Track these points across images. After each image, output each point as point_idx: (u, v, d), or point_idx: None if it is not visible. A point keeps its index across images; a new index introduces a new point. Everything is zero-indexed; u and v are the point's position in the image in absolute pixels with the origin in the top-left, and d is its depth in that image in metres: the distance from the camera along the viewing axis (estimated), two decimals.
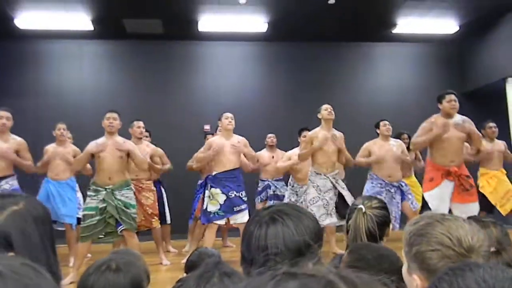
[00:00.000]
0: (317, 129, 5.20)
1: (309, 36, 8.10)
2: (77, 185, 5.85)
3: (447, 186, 4.53)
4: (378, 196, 5.06)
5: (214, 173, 5.01)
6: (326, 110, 5.14)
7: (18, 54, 7.79)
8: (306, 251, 1.04)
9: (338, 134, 5.19)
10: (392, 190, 5.33)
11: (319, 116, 5.16)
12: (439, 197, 4.53)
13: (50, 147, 5.37)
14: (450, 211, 4.52)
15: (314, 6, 6.86)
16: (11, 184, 4.57)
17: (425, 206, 4.62)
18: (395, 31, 7.93)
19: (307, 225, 1.07)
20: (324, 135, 5.03)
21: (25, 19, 6.92)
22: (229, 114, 5.11)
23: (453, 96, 4.58)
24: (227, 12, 6.98)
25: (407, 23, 7.66)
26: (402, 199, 5.36)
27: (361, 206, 1.87)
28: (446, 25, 7.78)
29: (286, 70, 8.39)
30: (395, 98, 8.46)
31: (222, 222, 4.94)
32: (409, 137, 6.12)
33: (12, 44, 7.71)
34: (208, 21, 7.30)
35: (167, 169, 5.72)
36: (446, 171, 4.51)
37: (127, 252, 1.67)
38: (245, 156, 5.25)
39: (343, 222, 4.97)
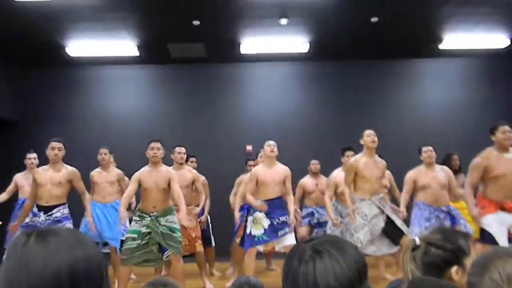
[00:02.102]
0: (359, 155, 4.97)
1: (352, 55, 8.00)
2: None
3: (504, 215, 4.23)
4: (427, 223, 4.85)
5: (258, 200, 4.97)
6: (369, 137, 4.87)
7: (67, 80, 8.12)
8: (358, 284, 0.96)
9: (381, 161, 4.95)
10: (442, 216, 5.03)
11: (361, 142, 4.93)
12: (497, 221, 4.22)
13: (95, 172, 5.50)
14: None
15: (357, 25, 6.78)
16: (62, 212, 4.68)
17: (483, 232, 4.31)
18: (441, 46, 7.71)
19: (354, 257, 0.98)
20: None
21: (75, 47, 7.21)
22: (271, 142, 5.06)
23: (507, 127, 4.25)
24: (269, 33, 7.01)
25: (455, 38, 7.43)
26: (453, 224, 5.05)
27: (416, 238, 1.62)
28: (496, 39, 7.48)
29: (329, 90, 8.29)
30: (443, 115, 8.16)
31: (261, 248, 4.85)
32: (459, 159, 5.83)
33: (63, 71, 8.04)
34: (250, 43, 7.35)
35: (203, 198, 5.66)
36: (500, 206, 4.21)
37: (163, 283, 1.63)
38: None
39: (391, 250, 4.78)
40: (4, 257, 0.85)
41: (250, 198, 4.90)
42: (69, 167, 4.79)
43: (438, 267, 1.45)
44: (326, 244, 0.99)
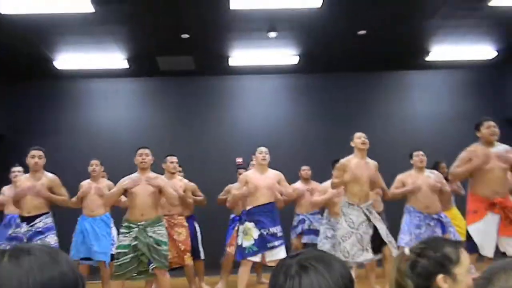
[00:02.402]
0: (350, 156, 4.99)
1: (340, 67, 8.05)
2: (112, 220, 5.87)
3: (492, 220, 4.26)
4: (417, 231, 4.86)
5: (248, 207, 4.92)
6: (359, 139, 4.89)
7: (56, 93, 8.07)
8: None
9: (372, 162, 4.98)
10: (432, 223, 5.03)
11: (352, 144, 4.95)
12: (483, 231, 4.26)
13: (85, 183, 5.43)
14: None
15: (345, 38, 6.83)
16: (45, 222, 4.58)
17: (469, 239, 4.35)
18: (428, 58, 7.79)
19: (340, 272, 0.97)
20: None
21: (64, 60, 7.18)
22: (263, 149, 5.05)
23: (492, 122, 4.37)
24: (258, 46, 7.04)
25: (441, 50, 7.52)
26: (443, 232, 5.06)
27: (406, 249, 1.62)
28: (483, 50, 7.58)
29: (319, 102, 8.32)
30: (431, 127, 8.22)
31: (257, 259, 4.81)
32: (447, 167, 5.88)
33: (51, 84, 8.00)
34: (239, 56, 7.37)
35: (200, 200, 5.68)
36: (490, 204, 4.25)
37: None
38: (281, 194, 5.10)
39: (374, 257, 4.77)
40: None
41: (234, 190, 4.87)
42: (49, 174, 4.71)
43: (425, 277, 1.44)
44: (312, 260, 0.98)
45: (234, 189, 5.29)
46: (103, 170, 5.73)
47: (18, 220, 4.64)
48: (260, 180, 4.91)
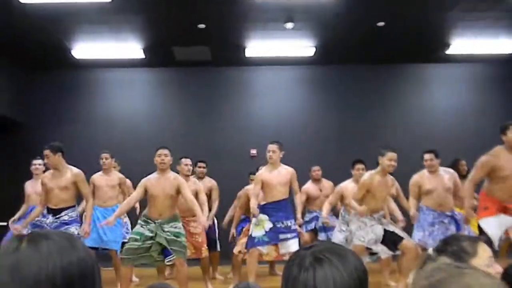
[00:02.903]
0: (373, 172, 4.79)
1: (358, 59, 7.97)
2: None
3: (505, 220, 4.18)
4: (430, 228, 4.81)
5: (262, 203, 4.96)
6: (390, 161, 4.59)
7: (73, 82, 8.14)
8: None
9: (390, 180, 4.86)
10: (446, 221, 4.97)
11: (379, 160, 4.69)
12: (495, 225, 4.18)
13: (97, 176, 5.50)
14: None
15: (363, 29, 6.75)
16: (70, 215, 4.68)
17: (481, 233, 4.28)
18: (448, 51, 7.66)
19: (354, 264, 0.96)
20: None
21: (81, 50, 7.23)
22: (270, 146, 5.04)
23: None
24: (274, 37, 6.99)
25: (461, 44, 7.39)
26: (457, 230, 4.99)
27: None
28: (503, 44, 7.43)
29: (335, 94, 8.26)
30: (451, 121, 8.11)
31: (264, 249, 4.82)
32: (467, 164, 5.78)
33: (68, 73, 8.06)
34: (255, 47, 7.34)
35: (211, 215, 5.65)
36: (502, 207, 4.16)
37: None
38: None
39: (389, 252, 4.73)
40: None
41: (253, 203, 4.87)
42: (74, 169, 4.77)
43: None
44: (326, 252, 0.97)
45: (250, 190, 5.30)
46: (115, 161, 5.78)
47: (45, 211, 4.74)
48: (273, 178, 4.95)
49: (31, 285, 0.77)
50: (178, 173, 5.11)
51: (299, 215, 5.01)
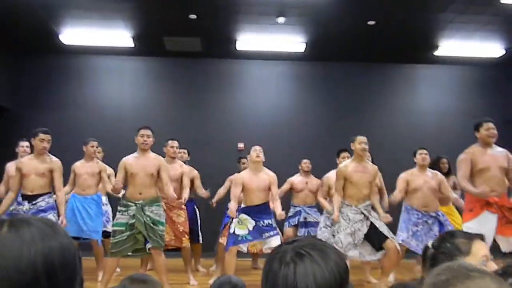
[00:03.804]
0: (348, 161, 4.93)
1: (348, 57, 7.99)
2: (106, 198, 5.88)
3: (488, 219, 4.25)
4: (414, 228, 4.86)
5: (243, 205, 4.95)
6: (360, 144, 4.79)
7: (61, 68, 8.03)
8: None
9: (372, 167, 4.91)
10: (430, 221, 5.03)
11: (352, 147, 4.88)
12: (476, 230, 4.25)
13: (78, 164, 5.42)
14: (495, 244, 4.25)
15: (353, 27, 6.77)
16: (47, 201, 4.62)
17: None
18: (437, 53, 7.72)
19: (335, 261, 0.96)
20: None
21: (69, 35, 7.13)
22: (257, 147, 5.03)
23: (491, 124, 4.40)
24: (266, 31, 6.98)
25: (450, 46, 7.45)
26: (440, 231, 5.05)
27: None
28: (491, 48, 7.51)
29: (324, 91, 8.29)
30: (436, 122, 8.19)
31: (244, 248, 4.83)
32: (449, 162, 5.86)
33: (56, 59, 7.95)
34: (246, 40, 7.31)
35: (202, 193, 5.69)
36: (485, 202, 4.25)
37: (142, 280, 1.60)
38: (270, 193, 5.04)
39: (374, 257, 4.77)
40: None
41: (232, 206, 4.82)
42: (53, 158, 4.71)
43: None
44: (308, 247, 0.97)
45: (234, 184, 5.26)
46: (99, 149, 5.74)
47: (20, 198, 4.66)
48: (255, 182, 4.90)
49: (11, 270, 0.75)
50: (164, 156, 5.11)
51: (278, 210, 4.76)
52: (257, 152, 4.97)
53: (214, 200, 5.97)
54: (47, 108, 7.77)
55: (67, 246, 0.83)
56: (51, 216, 4.54)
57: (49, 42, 7.36)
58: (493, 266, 1.53)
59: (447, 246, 1.54)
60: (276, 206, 4.82)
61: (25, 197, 4.59)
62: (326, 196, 5.76)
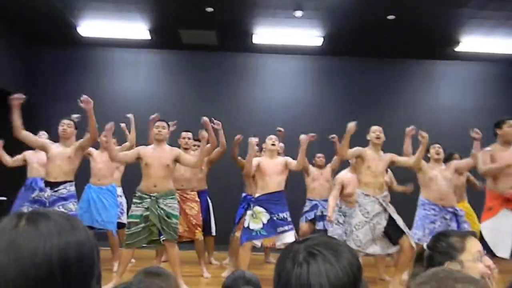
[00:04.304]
0: (365, 148, 4.97)
1: (366, 52, 7.90)
2: (120, 189, 5.92)
3: (507, 216, 4.18)
4: (431, 226, 4.79)
5: (257, 195, 4.91)
6: (374, 133, 4.91)
7: (78, 60, 8.09)
8: None
9: (385, 155, 4.92)
10: (448, 217, 4.93)
11: (368, 137, 4.96)
12: (495, 229, 4.18)
13: (95, 151, 5.48)
14: None
15: (372, 21, 6.68)
16: (68, 189, 4.66)
17: (483, 238, 4.24)
18: (458, 49, 7.59)
19: (348, 260, 0.95)
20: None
21: (87, 28, 7.18)
22: (273, 136, 5.08)
23: None
24: (282, 25, 6.93)
25: (471, 41, 7.31)
26: (458, 228, 4.96)
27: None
28: None
29: (341, 86, 8.21)
30: (456, 119, 8.05)
31: (258, 243, 4.81)
32: (461, 158, 5.77)
33: (73, 51, 8.02)
34: (263, 34, 7.27)
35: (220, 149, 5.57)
36: (505, 199, 4.19)
37: (157, 273, 1.59)
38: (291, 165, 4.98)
39: (388, 251, 4.72)
40: None
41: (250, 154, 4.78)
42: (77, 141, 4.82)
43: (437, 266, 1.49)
44: (320, 246, 0.96)
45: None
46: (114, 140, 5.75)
47: (42, 184, 4.73)
48: (271, 166, 4.91)
49: (27, 264, 0.75)
50: (179, 147, 5.13)
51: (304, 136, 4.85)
52: (272, 140, 5.00)
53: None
54: (65, 99, 7.80)
55: (84, 242, 0.82)
56: (72, 204, 4.60)
57: (67, 34, 7.41)
58: (488, 261, 1.57)
59: (442, 245, 1.58)
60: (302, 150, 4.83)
61: (48, 184, 4.65)
62: (337, 195, 5.68)
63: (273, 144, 4.98)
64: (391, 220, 4.65)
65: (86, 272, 0.82)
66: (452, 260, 1.52)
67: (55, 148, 4.70)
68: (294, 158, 5.01)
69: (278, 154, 5.20)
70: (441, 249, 1.58)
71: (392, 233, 4.62)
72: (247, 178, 5.49)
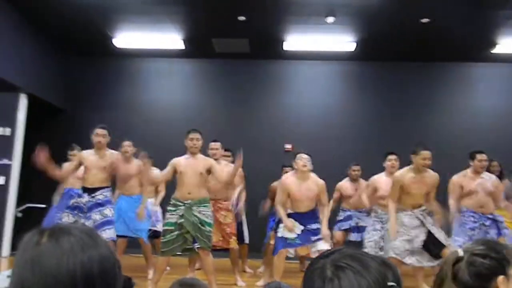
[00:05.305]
0: (405, 169, 4.74)
1: (400, 56, 7.77)
2: (152, 200, 5.97)
3: None
4: (471, 233, 4.65)
5: (289, 211, 4.86)
6: (423, 160, 4.59)
7: (114, 71, 8.30)
8: None
9: (430, 177, 4.70)
10: (487, 223, 4.80)
11: (412, 158, 4.67)
12: None
13: (119, 162, 5.42)
14: None
15: (406, 25, 6.57)
16: (105, 195, 4.81)
17: None
18: (495, 51, 7.37)
19: (377, 269, 0.91)
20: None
21: (122, 39, 7.36)
22: (304, 156, 4.82)
23: None
24: (315, 32, 6.90)
25: (509, 43, 7.09)
26: (498, 234, 4.81)
27: (459, 250, 1.57)
28: None
29: (375, 91, 8.10)
30: (494, 122, 7.81)
31: (292, 251, 4.77)
32: (500, 166, 5.59)
33: (109, 62, 8.23)
34: (295, 40, 7.27)
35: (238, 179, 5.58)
36: None
37: (191, 284, 1.61)
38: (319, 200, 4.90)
39: (433, 263, 4.60)
40: (16, 254, 0.84)
41: (281, 212, 4.76)
42: (114, 152, 4.98)
43: (485, 277, 1.40)
44: (347, 259, 0.93)
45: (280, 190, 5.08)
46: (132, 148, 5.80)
47: (80, 191, 4.88)
48: (303, 191, 4.79)
49: (50, 280, 0.77)
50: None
51: (324, 228, 4.71)
52: (303, 161, 4.77)
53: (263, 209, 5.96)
54: (101, 109, 8.03)
55: (106, 256, 0.83)
56: (108, 210, 4.73)
57: (103, 46, 7.62)
58: None
59: (498, 256, 1.43)
60: (324, 224, 4.74)
61: (85, 190, 4.81)
62: (371, 198, 5.60)
63: (304, 165, 4.77)
64: (430, 234, 4.54)
65: (109, 286, 0.82)
66: (505, 274, 1.40)
67: (90, 156, 4.86)
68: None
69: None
70: (496, 259, 1.44)
71: (432, 247, 4.51)
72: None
